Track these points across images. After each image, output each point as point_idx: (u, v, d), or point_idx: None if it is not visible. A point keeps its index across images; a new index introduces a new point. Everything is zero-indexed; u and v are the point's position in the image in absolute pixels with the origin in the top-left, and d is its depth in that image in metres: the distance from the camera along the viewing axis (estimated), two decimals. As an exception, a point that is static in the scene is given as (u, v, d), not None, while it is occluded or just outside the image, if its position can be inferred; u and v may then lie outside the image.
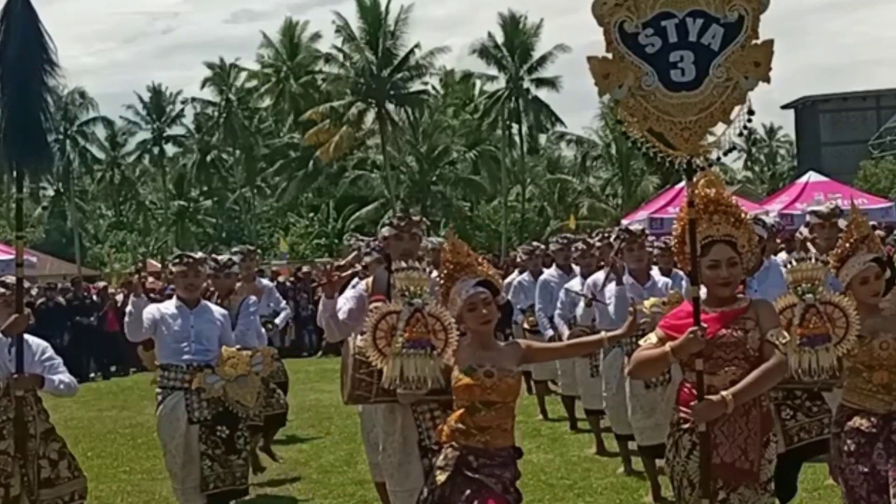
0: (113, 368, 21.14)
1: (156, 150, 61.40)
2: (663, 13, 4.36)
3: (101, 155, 62.92)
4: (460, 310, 4.83)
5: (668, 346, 4.48)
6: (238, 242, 42.53)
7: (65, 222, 56.80)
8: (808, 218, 8.23)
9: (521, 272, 12.57)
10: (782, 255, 9.36)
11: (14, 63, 5.82)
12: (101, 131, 62.82)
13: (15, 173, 6.05)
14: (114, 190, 63.11)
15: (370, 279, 6.28)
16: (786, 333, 4.63)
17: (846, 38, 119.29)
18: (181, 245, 55.30)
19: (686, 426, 4.54)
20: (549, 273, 10.86)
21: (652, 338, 4.62)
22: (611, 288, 8.24)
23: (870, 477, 4.88)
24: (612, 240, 8.97)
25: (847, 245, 5.11)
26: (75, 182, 57.50)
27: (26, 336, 6.30)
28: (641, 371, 4.81)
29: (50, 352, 6.52)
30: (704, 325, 4.43)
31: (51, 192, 62.47)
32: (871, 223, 7.30)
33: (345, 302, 6.26)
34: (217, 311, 7.40)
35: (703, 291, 4.60)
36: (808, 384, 5.67)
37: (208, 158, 59.02)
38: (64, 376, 6.47)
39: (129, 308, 7.02)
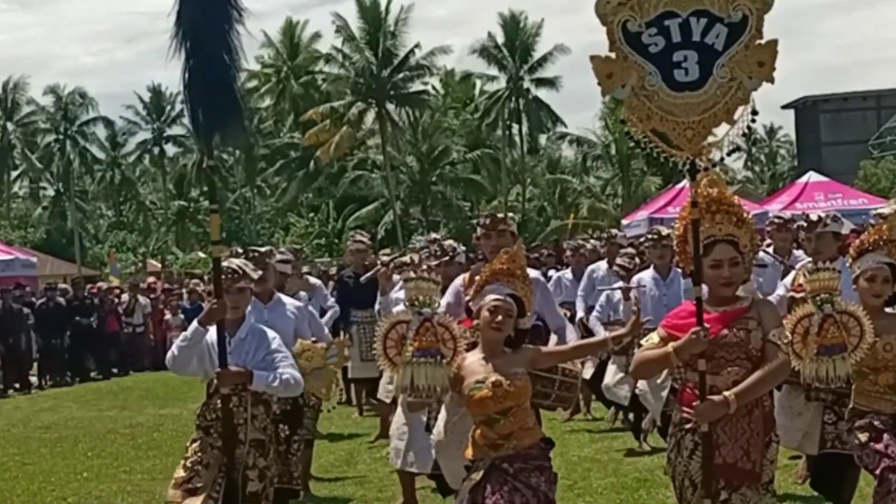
0: (113, 369, 21.13)
1: (156, 150, 61.42)
2: (667, 12, 4.35)
3: (101, 155, 63.02)
4: (482, 306, 4.88)
5: (670, 347, 4.47)
6: (238, 242, 42.55)
7: (65, 222, 56.76)
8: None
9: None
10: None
11: (196, 12, 5.16)
12: (101, 131, 62.85)
13: (204, 139, 5.48)
14: (114, 190, 63.14)
15: (467, 274, 6.34)
16: (787, 333, 4.63)
17: (846, 38, 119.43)
18: (181, 245, 55.33)
19: (688, 426, 4.54)
20: (599, 265, 11.18)
21: (654, 338, 4.62)
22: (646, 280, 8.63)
23: (883, 455, 4.96)
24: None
25: (872, 240, 5.15)
26: (75, 182, 57.48)
27: (257, 325, 5.80)
28: (643, 371, 4.82)
29: (276, 343, 5.72)
30: (707, 325, 4.42)
31: (51, 192, 62.51)
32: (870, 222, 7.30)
33: (444, 299, 6.29)
34: (292, 304, 7.37)
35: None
36: None
37: (208, 158, 58.93)
38: (283, 371, 5.57)
39: None
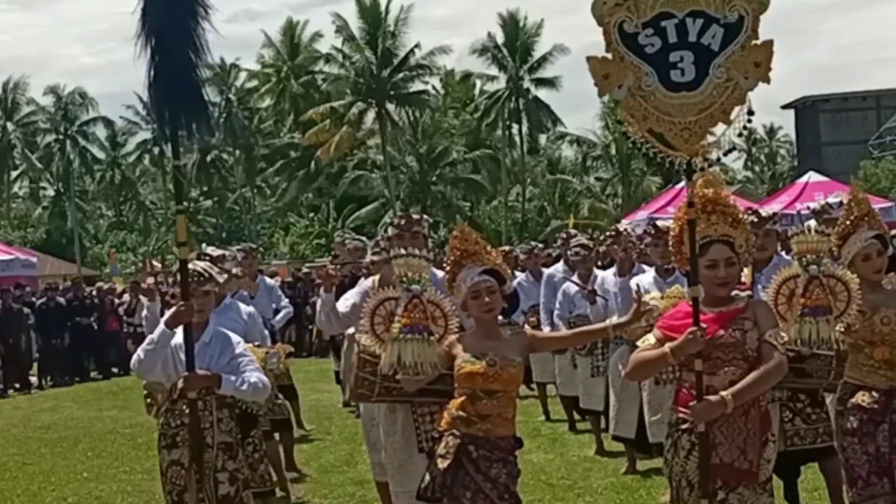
0: (113, 369, 21.13)
1: (156, 150, 61.44)
2: (663, 13, 4.35)
3: (101, 155, 63.09)
4: (464, 297, 4.85)
5: (667, 347, 4.47)
6: (238, 242, 42.63)
7: (65, 222, 56.79)
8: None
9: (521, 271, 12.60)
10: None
11: (161, 10, 5.04)
12: (101, 131, 62.97)
13: (170, 139, 5.23)
14: (114, 190, 63.20)
15: (377, 277, 6.29)
16: (783, 334, 4.62)
17: (846, 38, 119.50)
18: (181, 245, 55.30)
19: (685, 426, 4.54)
20: (556, 268, 10.82)
21: (650, 339, 4.62)
22: (609, 279, 8.33)
23: (873, 459, 4.95)
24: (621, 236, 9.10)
25: (848, 222, 5.13)
26: (75, 182, 57.50)
27: (221, 329, 5.71)
28: (640, 372, 4.81)
29: (241, 347, 5.70)
30: (703, 325, 4.43)
31: (51, 192, 62.55)
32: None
33: (349, 297, 6.29)
34: (244, 309, 7.25)
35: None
36: (813, 385, 5.66)
37: (208, 158, 59.03)
38: (250, 375, 5.53)
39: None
